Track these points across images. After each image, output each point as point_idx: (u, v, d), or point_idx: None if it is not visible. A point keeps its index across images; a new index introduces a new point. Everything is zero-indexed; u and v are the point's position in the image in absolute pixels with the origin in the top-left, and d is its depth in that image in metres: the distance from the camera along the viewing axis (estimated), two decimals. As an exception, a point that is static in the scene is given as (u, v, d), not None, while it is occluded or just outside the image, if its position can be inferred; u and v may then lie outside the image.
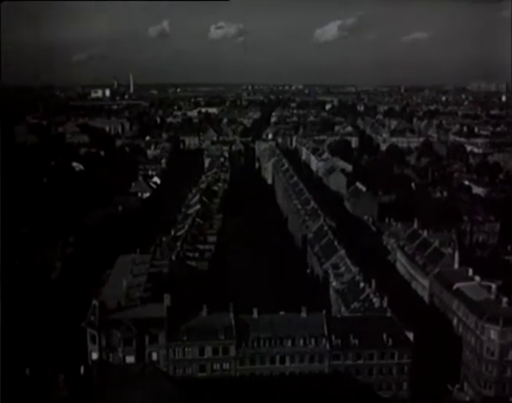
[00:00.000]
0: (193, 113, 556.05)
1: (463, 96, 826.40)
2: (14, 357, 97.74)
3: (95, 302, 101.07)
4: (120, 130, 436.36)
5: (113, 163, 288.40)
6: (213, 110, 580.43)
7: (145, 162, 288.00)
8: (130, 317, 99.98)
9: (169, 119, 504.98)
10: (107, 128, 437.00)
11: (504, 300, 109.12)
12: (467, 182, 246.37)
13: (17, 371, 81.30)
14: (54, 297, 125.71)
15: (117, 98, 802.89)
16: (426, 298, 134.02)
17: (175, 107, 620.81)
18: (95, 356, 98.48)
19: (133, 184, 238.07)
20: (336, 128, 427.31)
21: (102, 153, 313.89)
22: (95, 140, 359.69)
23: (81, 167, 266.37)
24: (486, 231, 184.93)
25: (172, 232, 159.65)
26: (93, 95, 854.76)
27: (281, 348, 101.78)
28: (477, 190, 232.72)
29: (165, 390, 78.63)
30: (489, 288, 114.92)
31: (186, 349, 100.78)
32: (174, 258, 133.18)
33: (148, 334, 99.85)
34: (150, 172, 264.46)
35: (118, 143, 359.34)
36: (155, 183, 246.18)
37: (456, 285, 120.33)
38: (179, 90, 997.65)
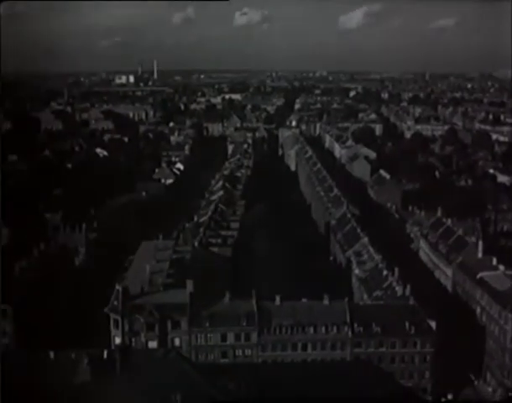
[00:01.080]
0: (217, 100, 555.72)
1: (489, 83, 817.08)
2: (38, 340, 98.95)
3: (118, 287, 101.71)
4: (144, 116, 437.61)
5: (137, 149, 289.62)
6: (237, 96, 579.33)
7: (169, 148, 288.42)
8: (153, 303, 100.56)
9: (193, 106, 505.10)
10: (131, 115, 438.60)
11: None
12: (491, 171, 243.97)
13: (41, 355, 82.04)
14: (78, 282, 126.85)
15: (141, 84, 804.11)
16: (449, 287, 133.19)
17: (199, 94, 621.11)
18: (118, 341, 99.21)
19: (157, 170, 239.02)
20: (360, 115, 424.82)
21: (126, 139, 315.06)
22: (119, 126, 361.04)
23: (105, 153, 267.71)
24: (510, 220, 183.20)
25: (195, 219, 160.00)
26: (117, 81, 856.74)
27: (303, 335, 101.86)
28: (502, 178, 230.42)
29: (187, 376, 78.95)
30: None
31: (209, 335, 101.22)
32: (196, 244, 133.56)
33: (171, 320, 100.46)
34: (174, 158, 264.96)
35: (142, 129, 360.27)
36: (179, 169, 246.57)
37: (479, 275, 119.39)
38: (203, 76, 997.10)
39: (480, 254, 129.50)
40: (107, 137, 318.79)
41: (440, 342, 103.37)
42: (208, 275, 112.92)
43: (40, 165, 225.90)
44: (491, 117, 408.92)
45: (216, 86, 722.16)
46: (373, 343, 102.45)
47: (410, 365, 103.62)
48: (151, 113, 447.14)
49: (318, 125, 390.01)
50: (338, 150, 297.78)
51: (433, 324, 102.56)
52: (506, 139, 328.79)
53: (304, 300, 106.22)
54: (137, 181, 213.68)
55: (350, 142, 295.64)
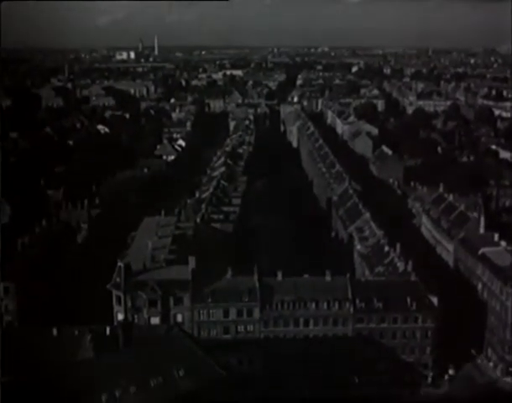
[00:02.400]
0: (218, 76, 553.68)
1: (492, 58, 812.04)
2: (41, 317, 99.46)
3: (120, 264, 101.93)
4: (145, 93, 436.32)
5: (138, 126, 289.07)
6: (238, 72, 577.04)
7: (170, 125, 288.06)
8: (155, 279, 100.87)
9: (194, 82, 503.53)
10: (132, 91, 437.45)
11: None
12: (494, 146, 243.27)
13: (43, 331, 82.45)
14: (80, 259, 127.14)
15: (142, 61, 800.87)
16: (451, 263, 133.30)
17: (200, 70, 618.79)
18: (120, 317, 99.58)
19: (158, 146, 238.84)
20: (363, 90, 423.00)
21: (127, 115, 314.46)
22: (120, 103, 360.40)
23: (107, 130, 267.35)
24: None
25: (197, 195, 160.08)
26: (118, 57, 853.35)
27: (305, 311, 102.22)
28: (504, 154, 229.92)
29: (190, 352, 79.29)
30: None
31: (211, 311, 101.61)
32: (198, 220, 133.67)
33: (173, 296, 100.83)
34: (175, 135, 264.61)
35: (143, 105, 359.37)
36: (180, 146, 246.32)
37: (481, 250, 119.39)
38: (204, 52, 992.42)
39: (482, 230, 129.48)
40: (108, 113, 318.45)
41: (441, 318, 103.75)
42: (210, 251, 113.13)
43: (41, 142, 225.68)
44: (494, 92, 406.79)
45: (218, 62, 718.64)
46: (375, 319, 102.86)
47: (412, 341, 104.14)
48: (152, 89, 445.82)
49: (320, 101, 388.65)
50: (340, 126, 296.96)
51: (435, 300, 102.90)
52: (509, 115, 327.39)
53: (306, 275, 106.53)
54: (138, 158, 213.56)
55: (352, 118, 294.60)
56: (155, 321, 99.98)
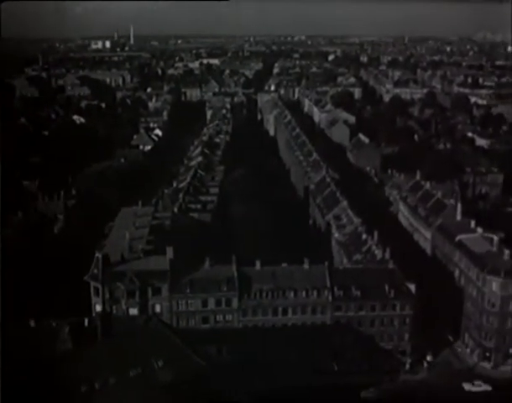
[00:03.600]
0: (194, 65, 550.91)
1: (468, 46, 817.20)
2: (18, 310, 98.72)
3: (98, 255, 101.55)
4: (121, 82, 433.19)
5: (114, 115, 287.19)
6: (215, 61, 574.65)
7: (147, 114, 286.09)
8: (133, 270, 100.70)
9: (171, 71, 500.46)
10: (108, 80, 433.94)
11: (506, 252, 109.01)
12: (470, 134, 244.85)
13: (21, 324, 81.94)
14: (58, 250, 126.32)
15: (118, 50, 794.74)
16: (429, 250, 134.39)
17: (177, 59, 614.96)
18: (98, 308, 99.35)
19: (135, 136, 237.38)
20: (339, 79, 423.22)
21: (103, 105, 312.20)
22: (95, 92, 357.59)
23: (82, 120, 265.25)
24: (489, 182, 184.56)
25: (174, 185, 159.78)
26: (93, 46, 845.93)
27: (283, 300, 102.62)
28: (480, 141, 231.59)
29: (169, 342, 79.31)
30: (491, 240, 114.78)
31: (189, 301, 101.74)
32: (176, 210, 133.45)
33: (152, 286, 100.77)
34: (152, 124, 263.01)
35: (119, 95, 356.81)
36: (157, 135, 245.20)
37: (458, 237, 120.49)
38: (180, 41, 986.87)
39: (459, 217, 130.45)
40: (83, 103, 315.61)
41: (419, 305, 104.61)
42: (188, 241, 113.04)
43: (16, 133, 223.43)
44: (470, 80, 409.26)
45: (194, 51, 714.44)
46: (353, 307, 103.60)
47: (390, 328, 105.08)
48: (128, 79, 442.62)
49: (297, 89, 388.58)
50: (317, 114, 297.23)
51: (412, 287, 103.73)
52: (484, 102, 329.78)
53: (284, 264, 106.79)
54: (115, 148, 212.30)
55: (329, 106, 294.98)
56: (134, 311, 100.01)
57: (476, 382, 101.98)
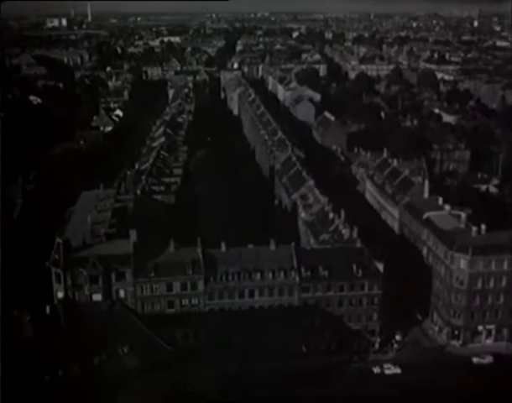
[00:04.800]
0: (155, 43, 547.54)
1: (434, 21, 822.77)
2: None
3: (59, 240, 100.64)
4: (79, 61, 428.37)
5: (73, 96, 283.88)
6: (176, 39, 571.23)
7: (106, 94, 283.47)
8: (96, 255, 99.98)
9: (131, 49, 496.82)
10: (65, 60, 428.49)
11: (474, 229, 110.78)
12: (437, 110, 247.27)
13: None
14: (17, 235, 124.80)
15: (75, 28, 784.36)
16: (396, 228, 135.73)
17: (136, 37, 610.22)
18: (60, 295, 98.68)
19: (95, 117, 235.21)
20: (304, 56, 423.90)
21: (61, 85, 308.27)
22: (53, 72, 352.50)
23: (39, 100, 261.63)
24: (456, 159, 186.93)
25: (136, 166, 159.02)
26: (49, 24, 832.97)
27: (250, 282, 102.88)
28: (447, 118, 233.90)
29: (134, 328, 79.17)
30: (459, 217, 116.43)
31: (154, 286, 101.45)
32: (139, 192, 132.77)
33: (115, 271, 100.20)
34: (112, 105, 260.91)
35: (77, 74, 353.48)
36: (118, 116, 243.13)
37: (426, 215, 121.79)
38: (139, 19, 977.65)
39: (426, 194, 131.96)
40: (40, 83, 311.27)
41: (387, 284, 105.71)
42: (152, 224, 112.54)
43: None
44: (436, 56, 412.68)
45: (154, 29, 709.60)
46: (321, 287, 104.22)
47: (358, 308, 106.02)
48: (86, 58, 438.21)
49: (261, 67, 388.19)
50: (282, 92, 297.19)
51: (380, 266, 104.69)
52: (451, 78, 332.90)
53: (250, 245, 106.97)
54: (74, 130, 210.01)
55: (294, 84, 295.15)
56: (97, 297, 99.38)
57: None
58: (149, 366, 73.76)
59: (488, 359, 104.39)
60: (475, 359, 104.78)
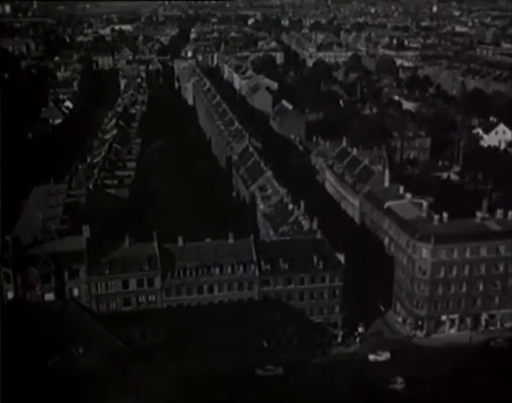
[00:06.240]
0: (105, 31, 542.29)
1: (393, 7, 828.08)
2: None
3: (8, 238, 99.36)
4: (25, 50, 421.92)
5: (19, 86, 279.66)
6: (127, 27, 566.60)
7: (55, 85, 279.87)
8: (47, 252, 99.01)
9: (80, 38, 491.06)
10: (10, 48, 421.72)
11: (436, 217, 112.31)
12: (397, 97, 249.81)
13: None
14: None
15: (20, 15, 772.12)
16: (357, 218, 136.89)
17: (86, 25, 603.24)
18: (11, 295, 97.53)
19: (43, 109, 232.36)
20: (260, 43, 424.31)
21: (6, 76, 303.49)
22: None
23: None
24: (417, 147, 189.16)
25: (88, 160, 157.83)
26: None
27: (209, 277, 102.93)
28: (407, 105, 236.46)
29: (89, 327, 78.75)
30: (421, 205, 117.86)
31: (109, 283, 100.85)
32: (91, 186, 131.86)
33: (68, 269, 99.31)
34: (61, 96, 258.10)
35: (24, 64, 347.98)
36: (67, 108, 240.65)
37: (387, 204, 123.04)
38: (88, 6, 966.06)
39: (387, 183, 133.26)
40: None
41: (349, 276, 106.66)
42: (105, 219, 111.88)
43: None
44: (395, 42, 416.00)
45: (105, 17, 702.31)
46: (281, 281, 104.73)
47: (320, 301, 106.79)
48: (33, 47, 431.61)
49: (216, 55, 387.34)
50: (238, 81, 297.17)
51: (341, 257, 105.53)
52: (411, 64, 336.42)
53: (208, 240, 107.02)
54: (22, 122, 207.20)
55: (250, 72, 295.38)
56: (49, 297, 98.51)
57: None
58: (106, 367, 73.44)
59: (386, 356, 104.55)
60: (371, 357, 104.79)
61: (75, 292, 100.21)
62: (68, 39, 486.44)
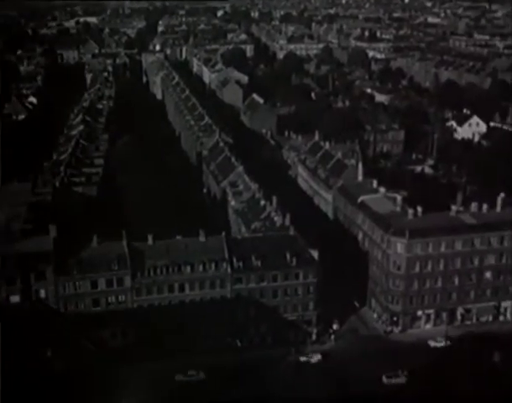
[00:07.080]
0: (70, 24, 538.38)
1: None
2: None
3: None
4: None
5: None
6: (93, 20, 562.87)
7: (18, 80, 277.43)
8: (12, 253, 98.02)
9: (43, 31, 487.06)
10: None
11: (410, 211, 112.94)
12: (369, 90, 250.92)
13: None
14: None
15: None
16: (330, 213, 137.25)
17: (49, 18, 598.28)
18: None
19: (6, 105, 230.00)
20: (230, 35, 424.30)
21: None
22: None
23: None
24: (390, 140, 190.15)
25: (54, 157, 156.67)
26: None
27: (179, 275, 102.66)
28: (380, 97, 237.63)
29: (57, 329, 78.35)
30: (395, 200, 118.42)
31: (77, 283, 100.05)
32: (57, 184, 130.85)
33: (34, 270, 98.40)
34: (25, 91, 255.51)
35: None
36: (31, 103, 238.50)
37: (360, 198, 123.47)
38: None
39: (360, 177, 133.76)
40: None
41: (323, 272, 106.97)
42: (73, 218, 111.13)
43: None
44: (367, 33, 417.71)
45: (69, 9, 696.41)
46: (254, 278, 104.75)
47: (294, 298, 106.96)
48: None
49: (184, 48, 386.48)
50: (207, 75, 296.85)
51: (315, 253, 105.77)
52: (383, 56, 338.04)
53: (178, 237, 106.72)
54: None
55: (220, 65, 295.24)
56: (15, 299, 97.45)
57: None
58: (74, 369, 73.17)
59: (316, 357, 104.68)
60: (302, 359, 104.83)
61: (42, 294, 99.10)
62: (31, 32, 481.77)
